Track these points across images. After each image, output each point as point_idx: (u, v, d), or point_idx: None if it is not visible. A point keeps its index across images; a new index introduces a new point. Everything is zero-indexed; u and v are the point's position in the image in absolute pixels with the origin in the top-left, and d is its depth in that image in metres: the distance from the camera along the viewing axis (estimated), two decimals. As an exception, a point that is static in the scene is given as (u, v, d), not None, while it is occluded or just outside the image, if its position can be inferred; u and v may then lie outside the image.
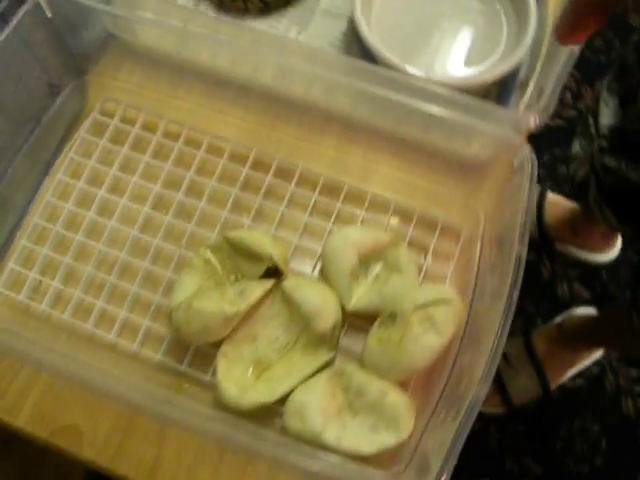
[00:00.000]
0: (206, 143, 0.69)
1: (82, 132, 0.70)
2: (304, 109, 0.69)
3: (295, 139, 0.69)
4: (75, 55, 0.69)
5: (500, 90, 0.70)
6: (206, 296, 0.59)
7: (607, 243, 1.47)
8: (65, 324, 0.64)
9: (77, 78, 0.70)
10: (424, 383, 0.61)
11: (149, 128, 0.70)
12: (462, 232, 0.66)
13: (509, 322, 0.51)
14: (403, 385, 0.59)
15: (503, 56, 0.69)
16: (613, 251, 1.47)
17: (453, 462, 0.48)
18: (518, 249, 0.54)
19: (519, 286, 0.52)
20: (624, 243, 1.47)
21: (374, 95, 0.61)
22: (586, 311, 1.39)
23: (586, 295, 1.46)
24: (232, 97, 0.70)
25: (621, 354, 1.43)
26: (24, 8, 0.61)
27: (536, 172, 0.56)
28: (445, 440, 0.51)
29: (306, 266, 0.65)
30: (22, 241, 0.66)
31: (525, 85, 0.70)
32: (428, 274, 0.64)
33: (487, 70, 0.68)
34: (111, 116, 0.70)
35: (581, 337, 1.32)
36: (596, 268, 1.48)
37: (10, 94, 0.63)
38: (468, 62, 0.70)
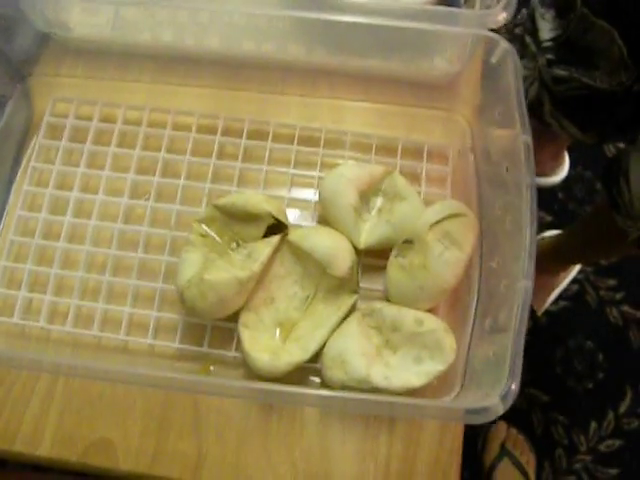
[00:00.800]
0: (170, 121, 0.66)
1: (38, 138, 0.66)
2: (259, 65, 0.67)
3: (259, 97, 0.67)
4: (14, 61, 0.65)
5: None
6: (214, 267, 0.56)
7: (556, 164, 1.48)
8: (67, 337, 0.60)
9: (20, 84, 0.66)
10: (452, 302, 0.59)
11: (108, 119, 0.66)
12: (449, 150, 0.64)
13: (536, 216, 0.50)
14: (432, 311, 0.57)
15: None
16: (563, 171, 1.49)
17: (519, 368, 0.46)
18: (524, 138, 0.52)
19: (534, 175, 0.51)
20: (571, 159, 1.49)
21: (327, 25, 0.59)
22: (554, 233, 1.40)
23: (549, 219, 1.47)
24: (183, 70, 0.68)
25: (597, 264, 1.44)
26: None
27: (519, 62, 0.55)
28: (496, 351, 0.49)
29: (304, 218, 0.62)
30: (1, 262, 0.61)
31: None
32: (426, 200, 0.62)
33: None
34: (65, 116, 0.66)
35: (556, 257, 1.32)
36: (551, 190, 1.49)
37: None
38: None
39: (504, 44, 0.56)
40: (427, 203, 0.60)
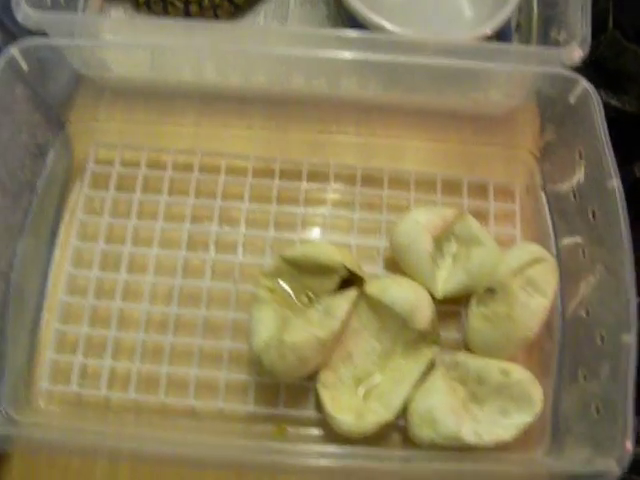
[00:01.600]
0: (224, 165, 0.62)
1: (83, 188, 0.62)
2: (311, 102, 0.63)
3: (314, 136, 0.64)
4: (53, 106, 0.61)
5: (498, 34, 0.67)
6: (291, 326, 0.53)
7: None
8: (129, 403, 0.56)
9: (61, 131, 0.62)
10: (529, 349, 0.57)
11: (156, 165, 0.63)
12: (515, 188, 0.62)
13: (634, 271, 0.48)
14: (511, 359, 0.55)
15: (498, 7, 0.66)
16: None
17: (633, 424, 0.45)
18: (615, 183, 0.51)
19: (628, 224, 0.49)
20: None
21: (381, 64, 0.57)
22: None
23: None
24: (229, 109, 0.64)
25: None
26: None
27: (601, 104, 0.54)
28: (597, 404, 0.48)
29: (372, 265, 0.60)
30: (53, 324, 0.58)
31: (521, 24, 0.68)
32: (496, 240, 0.59)
33: (485, 22, 0.64)
34: (109, 163, 0.62)
35: None
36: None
37: (1, 166, 0.55)
38: (463, 17, 0.67)
39: (584, 84, 0.54)
40: (497, 243, 0.58)
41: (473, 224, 0.58)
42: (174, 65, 0.63)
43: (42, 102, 0.59)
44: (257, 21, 0.69)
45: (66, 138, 0.63)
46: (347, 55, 0.56)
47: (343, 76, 0.63)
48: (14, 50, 0.54)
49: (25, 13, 0.55)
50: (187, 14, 0.68)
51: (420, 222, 0.57)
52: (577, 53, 0.55)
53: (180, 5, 0.67)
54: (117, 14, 0.69)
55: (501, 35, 0.64)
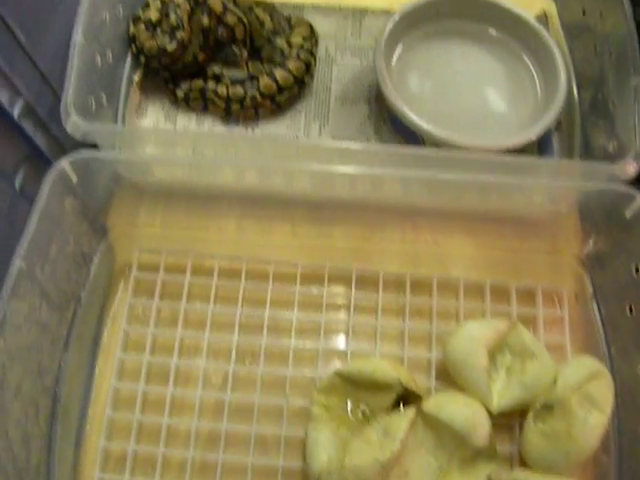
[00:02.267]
0: (272, 272, 0.61)
1: (126, 295, 0.60)
2: (357, 207, 0.63)
3: (361, 242, 0.63)
4: (98, 213, 0.59)
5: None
6: (352, 449, 0.52)
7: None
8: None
9: (104, 237, 0.61)
10: (584, 464, 0.56)
11: (201, 270, 0.61)
12: (563, 294, 0.62)
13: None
14: (568, 475, 0.54)
15: (539, 108, 0.67)
16: None
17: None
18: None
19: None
20: None
21: (429, 180, 0.57)
22: None
23: None
24: (276, 212, 0.63)
25: None
26: (49, 179, 0.52)
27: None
28: None
29: (425, 376, 0.59)
30: (99, 441, 0.56)
31: (563, 128, 0.68)
32: (546, 347, 0.59)
33: (529, 128, 0.64)
34: (153, 269, 0.61)
35: None
36: None
37: (50, 280, 0.53)
38: (506, 122, 0.67)
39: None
40: (546, 349, 0.57)
41: (526, 336, 0.58)
42: (215, 169, 0.62)
43: (88, 211, 0.58)
44: (297, 120, 0.68)
45: (109, 244, 0.61)
46: (389, 172, 0.56)
47: (387, 182, 0.62)
48: (65, 163, 0.53)
49: (74, 123, 0.55)
50: (227, 112, 0.67)
51: (474, 336, 0.57)
52: (632, 167, 0.55)
53: (221, 103, 0.66)
54: (155, 110, 0.68)
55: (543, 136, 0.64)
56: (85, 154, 0.54)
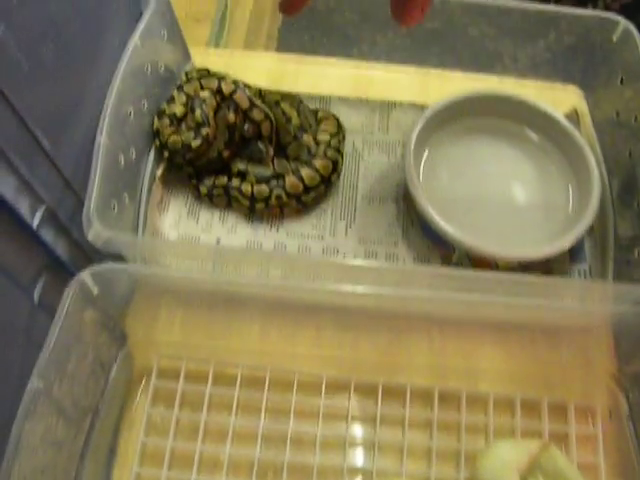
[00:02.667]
0: (296, 382, 0.59)
1: (145, 404, 0.58)
2: (382, 316, 0.61)
3: (388, 354, 0.61)
4: (117, 321, 0.58)
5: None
6: None
7: None
8: None
9: (123, 345, 0.59)
10: None
11: (222, 379, 0.59)
12: (597, 410, 0.60)
13: None
14: None
15: (572, 214, 0.65)
16: None
17: None
18: None
19: None
20: None
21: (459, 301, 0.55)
22: None
23: None
24: (300, 316, 0.61)
25: None
26: (69, 293, 0.50)
27: None
28: None
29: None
30: None
31: (595, 232, 0.67)
32: (578, 466, 0.57)
33: (562, 236, 0.62)
34: (173, 377, 0.59)
35: None
36: None
37: (67, 396, 0.51)
38: (537, 228, 0.66)
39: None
40: (580, 469, 0.55)
41: (559, 459, 0.55)
42: (236, 266, 0.60)
43: (108, 320, 0.56)
44: (323, 219, 0.67)
45: (128, 351, 0.59)
46: (414, 293, 0.55)
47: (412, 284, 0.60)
48: (86, 276, 0.52)
49: (96, 233, 0.53)
50: (252, 210, 0.66)
51: (505, 459, 0.54)
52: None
53: (245, 202, 0.65)
54: (177, 205, 0.67)
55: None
56: (107, 267, 0.52)
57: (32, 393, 0.47)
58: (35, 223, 0.53)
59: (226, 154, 0.65)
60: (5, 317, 0.51)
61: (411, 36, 0.77)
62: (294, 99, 0.69)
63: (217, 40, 0.94)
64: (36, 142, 0.52)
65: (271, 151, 0.66)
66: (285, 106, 0.68)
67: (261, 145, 0.66)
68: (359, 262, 0.58)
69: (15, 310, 0.52)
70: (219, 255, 0.55)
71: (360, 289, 0.53)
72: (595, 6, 1.66)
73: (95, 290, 0.53)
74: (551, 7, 0.69)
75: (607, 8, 1.70)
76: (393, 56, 0.79)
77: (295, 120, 0.67)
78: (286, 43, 1.18)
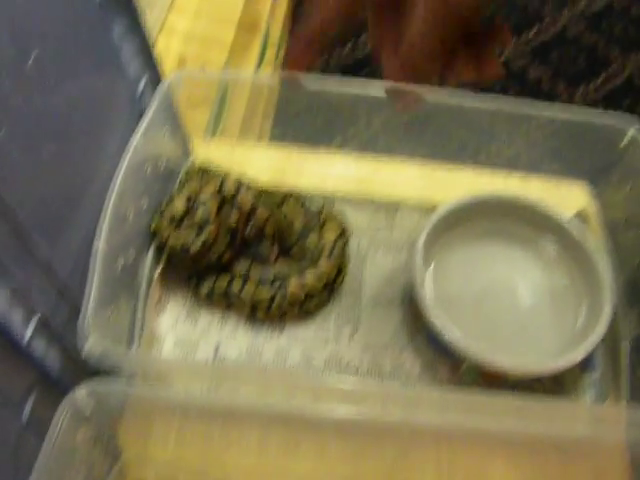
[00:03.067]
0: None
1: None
2: (388, 432, 0.58)
3: (390, 473, 0.58)
4: (110, 437, 0.55)
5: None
6: None
7: None
8: None
9: (116, 461, 0.56)
10: None
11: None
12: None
13: None
14: None
15: (584, 323, 0.63)
16: None
17: None
18: None
19: None
20: None
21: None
22: None
23: None
24: (302, 434, 0.58)
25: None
26: (61, 414, 0.48)
27: None
28: None
29: None
30: None
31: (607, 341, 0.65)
32: None
33: (575, 350, 0.59)
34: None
35: None
36: None
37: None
38: (548, 338, 0.64)
39: None
40: None
41: None
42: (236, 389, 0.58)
43: (101, 436, 0.53)
44: (327, 322, 0.64)
45: (121, 467, 0.56)
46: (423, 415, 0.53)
47: (421, 406, 0.58)
48: (79, 394, 0.49)
49: (91, 348, 0.50)
50: (252, 315, 0.63)
51: None
52: None
53: (246, 309, 0.63)
54: (176, 306, 0.65)
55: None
56: (101, 384, 0.50)
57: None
58: (27, 336, 0.50)
59: (227, 257, 0.63)
60: (-10, 440, 0.48)
61: (409, 125, 0.76)
62: (297, 200, 0.68)
63: (215, 126, 0.93)
64: (33, 246, 0.50)
65: (276, 250, 0.64)
66: (288, 208, 0.66)
67: (265, 246, 0.64)
68: (363, 385, 0.56)
69: (2, 431, 0.49)
70: (217, 374, 0.53)
71: (364, 411, 0.51)
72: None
73: (89, 409, 0.50)
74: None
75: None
76: (395, 147, 0.77)
77: (298, 223, 0.65)
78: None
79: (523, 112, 0.65)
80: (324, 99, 0.63)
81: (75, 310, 0.54)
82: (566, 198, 0.74)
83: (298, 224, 0.65)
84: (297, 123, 0.97)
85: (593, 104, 1.69)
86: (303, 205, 0.68)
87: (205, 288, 0.64)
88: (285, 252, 0.66)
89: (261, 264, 0.64)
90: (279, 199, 0.67)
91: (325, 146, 0.78)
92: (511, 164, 0.77)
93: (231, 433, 0.58)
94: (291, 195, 0.68)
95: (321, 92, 0.61)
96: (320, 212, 0.68)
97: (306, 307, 0.63)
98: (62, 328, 0.55)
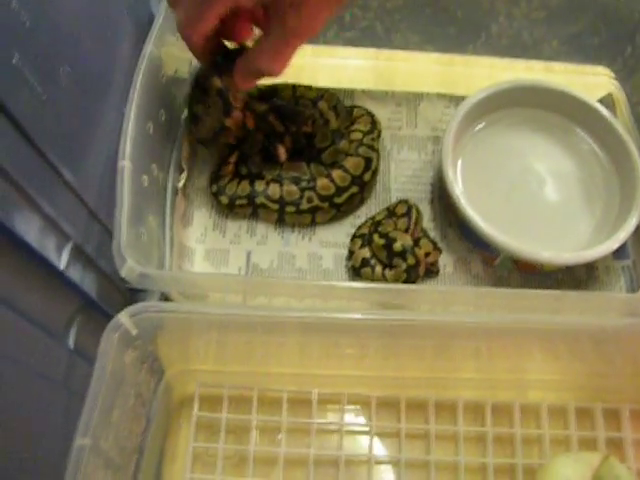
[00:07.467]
0: (346, 401, 0.57)
1: (188, 436, 0.56)
2: (427, 327, 0.58)
3: (432, 366, 0.59)
4: (154, 356, 0.55)
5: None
6: None
7: None
8: None
9: (161, 380, 0.57)
10: None
11: (265, 404, 0.57)
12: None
13: None
14: None
15: (617, 209, 0.63)
16: None
17: None
18: None
19: None
20: None
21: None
22: None
23: None
24: (342, 336, 0.58)
25: None
26: (108, 338, 0.48)
27: None
28: None
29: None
30: None
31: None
32: (637, 473, 0.56)
33: (610, 239, 0.59)
34: (214, 405, 0.58)
35: None
36: None
37: (113, 446, 0.49)
38: (581, 225, 0.63)
39: None
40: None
41: (620, 470, 0.54)
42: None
43: (147, 357, 0.53)
44: (356, 223, 0.63)
45: (167, 384, 0.57)
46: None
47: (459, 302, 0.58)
48: (123, 318, 0.49)
49: (129, 269, 0.49)
50: (280, 218, 0.62)
51: (567, 475, 0.53)
52: None
53: (274, 207, 0.61)
54: (202, 217, 0.64)
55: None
56: (144, 306, 0.49)
57: (79, 450, 0.44)
58: (62, 264, 0.49)
59: (259, 136, 0.61)
60: (42, 369, 0.48)
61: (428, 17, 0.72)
62: (332, 97, 0.65)
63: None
64: (57, 174, 0.48)
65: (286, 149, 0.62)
66: (323, 106, 0.64)
67: (279, 145, 0.62)
68: (397, 286, 0.56)
69: (51, 361, 0.49)
70: (250, 286, 0.52)
71: (399, 311, 0.53)
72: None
73: (134, 331, 0.50)
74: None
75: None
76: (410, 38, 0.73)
77: (333, 124, 0.63)
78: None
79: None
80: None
81: (107, 233, 0.53)
82: (590, 83, 0.71)
83: (332, 127, 0.63)
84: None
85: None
86: (337, 104, 0.65)
87: (227, 196, 0.62)
88: (317, 155, 0.63)
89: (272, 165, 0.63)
90: (313, 97, 0.65)
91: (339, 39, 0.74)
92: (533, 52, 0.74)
93: (270, 341, 0.58)
94: (325, 93, 0.65)
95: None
96: (352, 110, 0.66)
97: (337, 202, 0.62)
98: (95, 253, 0.54)
